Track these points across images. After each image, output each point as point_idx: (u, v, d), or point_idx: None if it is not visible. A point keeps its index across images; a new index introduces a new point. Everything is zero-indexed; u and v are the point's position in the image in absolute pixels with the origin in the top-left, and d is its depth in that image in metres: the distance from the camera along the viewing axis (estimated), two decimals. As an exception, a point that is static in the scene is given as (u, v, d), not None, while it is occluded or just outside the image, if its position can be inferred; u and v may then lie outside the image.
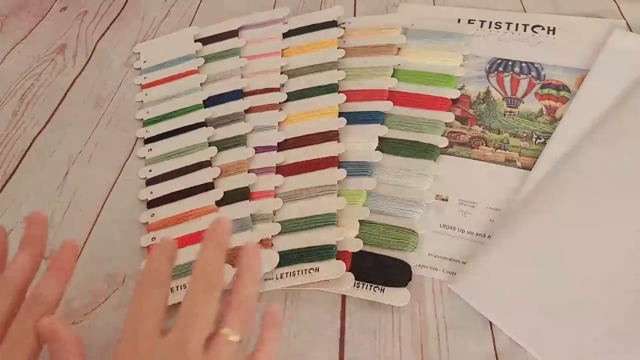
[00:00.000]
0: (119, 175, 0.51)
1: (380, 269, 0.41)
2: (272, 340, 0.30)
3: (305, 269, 0.41)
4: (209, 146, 0.51)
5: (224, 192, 0.47)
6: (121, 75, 0.61)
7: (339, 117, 0.51)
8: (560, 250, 0.40)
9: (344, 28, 0.60)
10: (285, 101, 0.54)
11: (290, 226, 0.44)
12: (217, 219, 0.32)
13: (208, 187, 0.48)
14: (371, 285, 0.41)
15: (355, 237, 0.43)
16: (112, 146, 0.54)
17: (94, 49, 0.64)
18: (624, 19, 0.58)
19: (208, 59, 0.59)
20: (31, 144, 0.54)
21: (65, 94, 0.59)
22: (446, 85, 0.53)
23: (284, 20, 0.62)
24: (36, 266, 0.32)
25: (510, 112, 0.51)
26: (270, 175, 0.48)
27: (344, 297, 0.41)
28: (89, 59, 0.63)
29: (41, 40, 0.66)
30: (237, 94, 0.55)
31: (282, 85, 0.55)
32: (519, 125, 0.50)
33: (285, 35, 0.60)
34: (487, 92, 0.53)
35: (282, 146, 0.50)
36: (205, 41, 0.61)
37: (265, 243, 0.43)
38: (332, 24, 0.60)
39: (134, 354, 0.27)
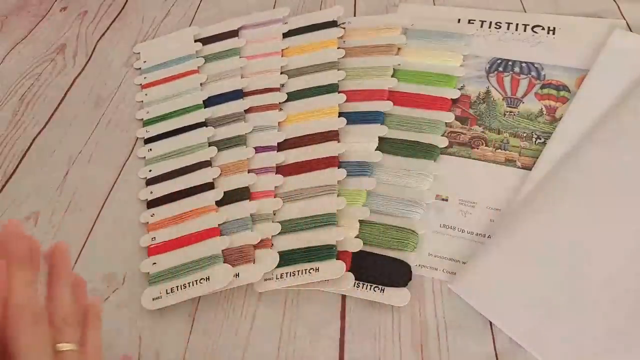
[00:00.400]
0: (119, 175, 0.51)
1: (380, 269, 0.41)
2: (95, 332, 0.30)
3: (305, 269, 0.41)
4: (209, 146, 0.51)
5: (224, 192, 0.47)
6: (121, 75, 0.61)
7: (339, 117, 0.51)
8: (560, 250, 0.40)
9: (344, 28, 0.60)
10: (285, 101, 0.54)
11: (290, 226, 0.44)
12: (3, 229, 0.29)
13: (208, 187, 0.48)
14: (371, 285, 0.41)
15: (355, 237, 0.43)
16: (112, 146, 0.54)
17: (94, 49, 0.64)
18: (624, 19, 0.58)
19: (208, 59, 0.59)
20: (31, 144, 0.54)
21: (65, 94, 0.59)
22: (446, 85, 0.53)
23: (284, 20, 0.62)
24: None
25: (510, 112, 0.51)
26: (270, 175, 0.48)
27: (344, 297, 0.41)
28: (89, 59, 0.63)
29: (41, 40, 0.66)
30: (237, 94, 0.55)
31: (282, 85, 0.55)
32: (519, 125, 0.50)
33: (285, 35, 0.60)
34: (487, 92, 0.53)
35: (282, 146, 0.50)
36: (205, 41, 0.61)
37: (265, 243, 0.43)
38: (332, 24, 0.60)
39: None
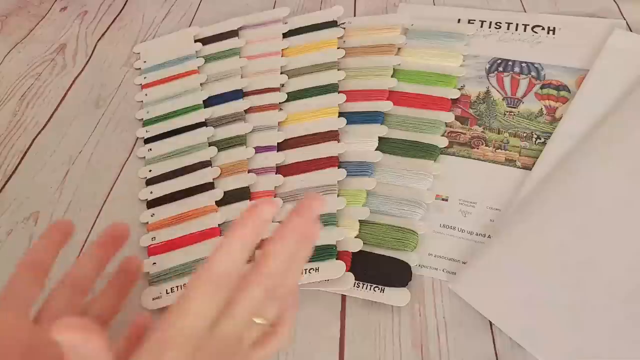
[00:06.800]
0: (119, 175, 0.51)
1: (380, 269, 0.41)
2: (293, 315, 0.28)
3: (305, 269, 0.41)
4: (209, 146, 0.51)
5: (224, 192, 0.47)
6: (121, 75, 0.61)
7: (339, 117, 0.51)
8: (560, 250, 0.40)
9: (344, 28, 0.60)
10: (285, 101, 0.54)
11: (290, 226, 0.44)
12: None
13: (208, 187, 0.48)
14: (371, 285, 0.41)
15: (355, 237, 0.43)
16: (112, 146, 0.54)
17: (94, 49, 0.64)
18: (624, 19, 0.58)
19: (208, 59, 0.59)
20: (31, 144, 0.54)
21: (65, 94, 0.59)
22: (446, 85, 0.53)
23: (284, 20, 0.62)
24: None
25: (510, 112, 0.51)
26: (270, 175, 0.48)
27: (344, 297, 0.41)
28: (89, 59, 0.63)
29: (41, 40, 0.66)
30: (237, 94, 0.55)
31: (282, 85, 0.55)
32: (519, 125, 0.50)
33: (285, 35, 0.60)
34: (487, 92, 0.53)
35: (282, 146, 0.50)
36: (205, 41, 0.61)
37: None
38: (332, 24, 0.60)
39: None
